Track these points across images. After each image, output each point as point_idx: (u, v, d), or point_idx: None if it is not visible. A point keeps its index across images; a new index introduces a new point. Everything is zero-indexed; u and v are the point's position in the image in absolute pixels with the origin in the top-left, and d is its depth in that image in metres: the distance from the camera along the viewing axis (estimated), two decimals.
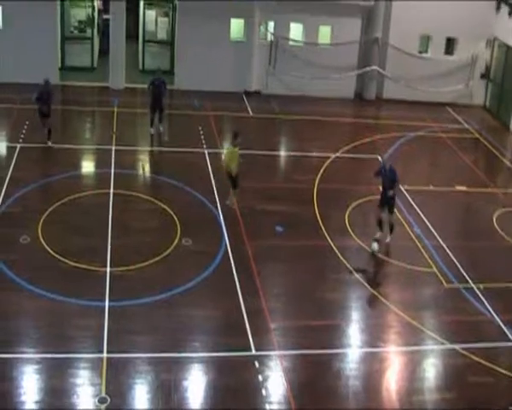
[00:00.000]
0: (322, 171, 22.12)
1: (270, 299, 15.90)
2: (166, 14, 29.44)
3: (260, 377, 13.59)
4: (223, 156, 20.49)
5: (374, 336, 15.18)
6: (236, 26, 28.17)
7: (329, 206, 20.15)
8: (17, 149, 21.89)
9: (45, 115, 21.82)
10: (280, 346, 14.52)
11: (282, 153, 23.97)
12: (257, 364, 13.91)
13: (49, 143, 21.93)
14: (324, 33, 28.56)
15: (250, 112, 26.57)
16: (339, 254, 17.74)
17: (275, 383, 13.55)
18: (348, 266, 17.37)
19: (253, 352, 14.26)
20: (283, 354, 14.33)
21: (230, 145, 19.77)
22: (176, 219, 18.55)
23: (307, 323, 15.25)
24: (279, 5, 27.31)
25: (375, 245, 17.98)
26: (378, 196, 18.69)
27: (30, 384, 13.23)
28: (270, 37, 28.13)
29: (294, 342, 14.72)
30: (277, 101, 27.40)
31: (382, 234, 18.29)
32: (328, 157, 23.12)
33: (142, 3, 29.30)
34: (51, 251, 16.94)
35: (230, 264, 16.99)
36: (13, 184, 19.70)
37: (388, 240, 18.36)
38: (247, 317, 15.20)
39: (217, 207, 19.44)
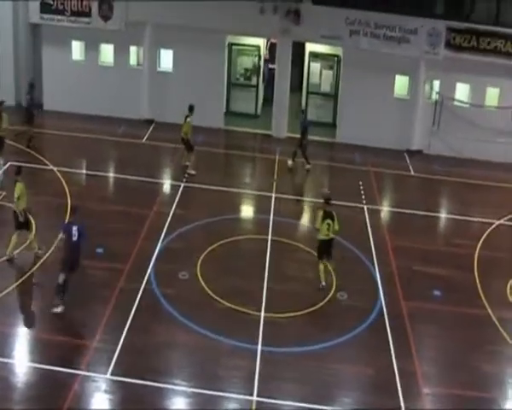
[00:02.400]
0: (484, 237, 21.36)
1: (423, 362, 15.47)
2: (331, 67, 29.79)
3: None
4: None
5: None
6: (401, 82, 28.07)
7: (491, 274, 19.39)
8: (180, 188, 22.75)
9: None
10: None
11: (442, 215, 23.44)
12: None
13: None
14: (492, 95, 27.78)
15: (412, 171, 26.29)
16: (498, 325, 16.98)
17: None
18: (508, 339, 16.60)
19: None
20: None
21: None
22: (332, 272, 18.53)
23: (461, 392, 14.67)
24: (444, 64, 26.94)
25: None
26: None
27: None
28: (435, 96, 27.81)
29: None
30: (440, 161, 26.96)
31: None
32: (491, 223, 22.29)
33: (307, 55, 29.84)
34: (208, 289, 17.38)
35: (384, 322, 16.72)
36: (175, 221, 20.46)
37: None
38: (399, 378, 14.85)
39: (373, 263, 19.27)
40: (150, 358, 15.00)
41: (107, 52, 28.91)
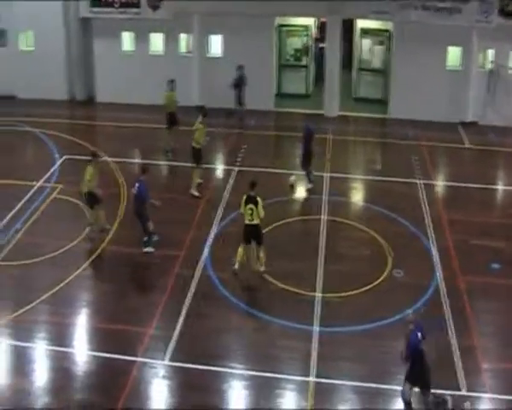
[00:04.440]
0: None
1: (482, 338, 15.21)
2: (382, 43, 29.37)
3: None
4: None
5: None
6: (453, 54, 27.50)
7: None
8: (233, 172, 22.79)
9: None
10: (492, 389, 13.85)
11: (499, 186, 22.93)
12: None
13: None
14: None
15: (466, 143, 25.79)
16: None
17: None
18: None
19: (463, 392, 13.72)
20: (495, 397, 13.66)
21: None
22: (387, 249, 18.36)
23: None
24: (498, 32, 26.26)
25: None
26: None
27: (238, 400, 13.75)
28: (488, 65, 27.16)
29: (508, 385, 13.95)
30: (495, 132, 26.37)
31: None
32: None
33: (357, 32, 29.49)
34: (262, 272, 17.35)
35: (442, 298, 16.49)
36: (229, 206, 20.53)
37: None
38: (458, 354, 14.66)
39: (429, 239, 18.98)
40: (207, 342, 15.14)
41: (156, 41, 29.10)
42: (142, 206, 18.05)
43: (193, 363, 14.46)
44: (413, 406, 12.99)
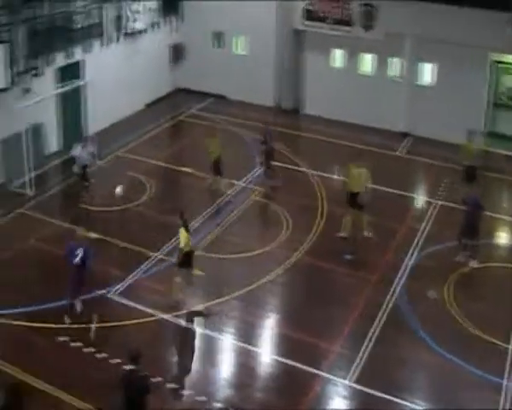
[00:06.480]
0: None
1: None
2: None
3: None
4: None
5: None
6: None
7: None
8: (434, 205, 22.10)
9: None
10: None
11: None
12: None
13: None
14: None
15: None
16: None
17: None
18: None
19: None
20: None
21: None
22: None
23: None
24: None
25: None
26: None
27: None
28: None
29: None
30: None
31: None
32: None
33: None
34: (455, 313, 16.77)
35: None
36: (426, 239, 20.01)
37: None
38: None
39: None
40: (391, 372, 14.87)
41: (366, 61, 29.05)
42: None
43: (375, 389, 14.21)
44: None
